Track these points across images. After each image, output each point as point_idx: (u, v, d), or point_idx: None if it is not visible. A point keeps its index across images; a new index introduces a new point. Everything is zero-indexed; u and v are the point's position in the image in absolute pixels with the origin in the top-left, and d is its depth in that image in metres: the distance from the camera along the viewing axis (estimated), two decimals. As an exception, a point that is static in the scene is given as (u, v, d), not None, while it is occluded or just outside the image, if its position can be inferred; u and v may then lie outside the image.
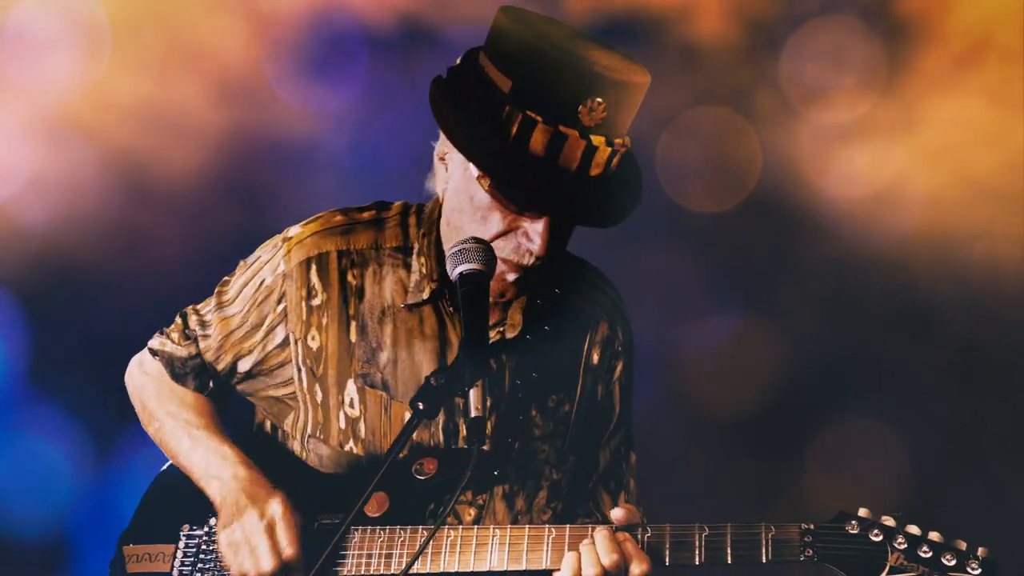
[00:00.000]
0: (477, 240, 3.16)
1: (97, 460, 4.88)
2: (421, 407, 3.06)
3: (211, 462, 3.38)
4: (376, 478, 3.02)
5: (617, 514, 3.16)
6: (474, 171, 3.18)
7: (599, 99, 3.07)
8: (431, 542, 3.20)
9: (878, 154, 5.06)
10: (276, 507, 3.26)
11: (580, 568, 3.11)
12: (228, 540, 3.26)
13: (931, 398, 5.06)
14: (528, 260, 3.20)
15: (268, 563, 3.21)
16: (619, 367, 3.49)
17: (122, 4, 4.91)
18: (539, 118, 3.08)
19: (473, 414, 3.03)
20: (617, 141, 3.14)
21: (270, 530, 3.24)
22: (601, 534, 3.12)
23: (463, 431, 3.34)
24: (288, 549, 3.23)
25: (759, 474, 5.05)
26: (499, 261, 3.19)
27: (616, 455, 3.51)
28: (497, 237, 3.19)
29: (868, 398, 5.05)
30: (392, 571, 3.22)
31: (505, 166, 3.11)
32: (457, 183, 3.24)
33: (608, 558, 3.09)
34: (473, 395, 3.03)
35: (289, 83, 4.98)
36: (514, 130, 3.09)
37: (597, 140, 3.10)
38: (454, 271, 3.14)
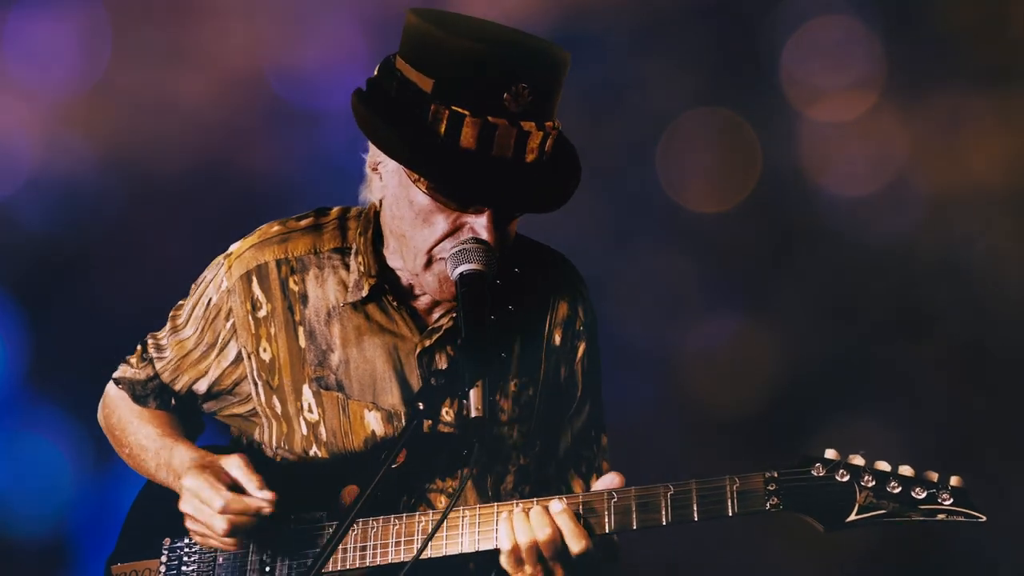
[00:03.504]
0: (477, 240, 3.15)
1: (97, 460, 4.88)
2: (421, 407, 3.06)
3: (173, 464, 3.40)
4: (372, 484, 3.01)
5: (614, 482, 3.15)
6: (415, 178, 3.16)
7: (523, 84, 3.06)
8: (414, 534, 3.20)
9: (878, 154, 5.06)
10: (215, 461, 3.27)
11: (516, 541, 3.10)
12: (184, 510, 3.27)
13: (931, 398, 5.05)
14: None
15: (218, 501, 3.20)
16: (581, 348, 3.45)
17: (122, 4, 4.91)
18: (466, 112, 3.06)
19: (473, 414, 3.03)
20: (548, 124, 3.12)
21: (210, 478, 3.23)
22: (535, 508, 3.10)
23: (428, 420, 3.34)
24: (246, 486, 3.22)
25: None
26: (448, 263, 3.18)
27: (583, 437, 3.47)
28: (443, 238, 3.17)
29: (868, 398, 5.05)
30: (367, 564, 3.21)
31: (440, 166, 3.09)
32: (394, 191, 3.22)
33: (542, 532, 3.08)
34: (473, 395, 3.03)
35: (289, 83, 4.98)
36: (443, 128, 3.07)
37: (528, 126, 3.08)
38: (454, 271, 3.14)
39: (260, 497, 3.21)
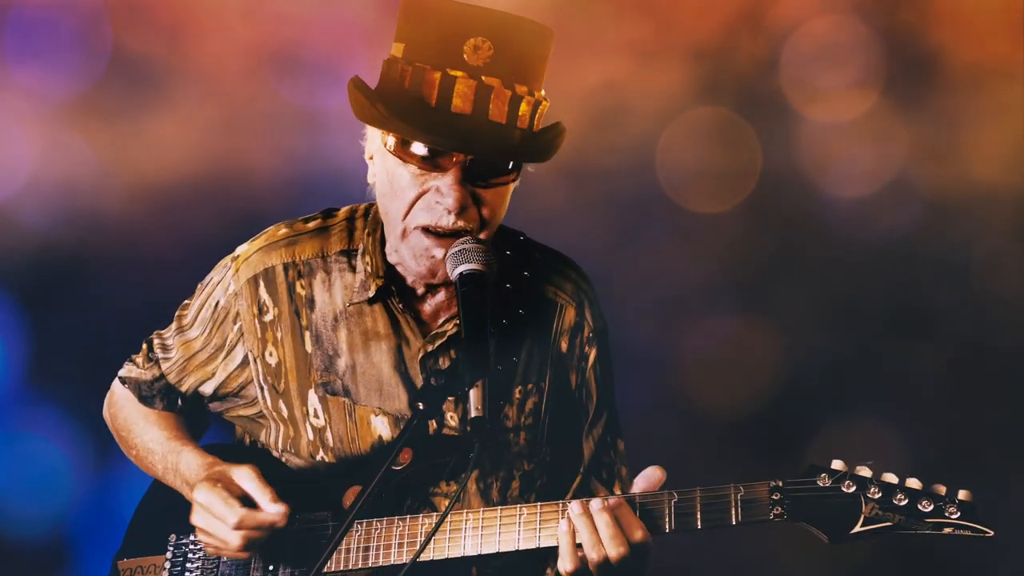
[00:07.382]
0: (477, 240, 3.15)
1: (97, 460, 4.88)
2: (421, 407, 3.05)
3: (180, 470, 3.39)
4: (372, 483, 3.01)
5: (655, 475, 3.14)
6: (388, 145, 3.17)
7: (482, 36, 3.08)
8: (417, 536, 3.20)
9: (878, 154, 5.06)
10: (225, 473, 3.24)
11: (577, 542, 3.10)
12: (196, 524, 3.25)
13: (931, 398, 5.06)
14: (445, 221, 3.16)
15: (232, 517, 3.18)
16: (592, 355, 3.44)
17: (122, 4, 4.91)
18: (427, 66, 3.10)
19: (473, 414, 3.02)
20: (520, 88, 3.13)
21: (223, 493, 3.21)
22: (597, 507, 3.09)
23: (433, 424, 3.34)
24: (258, 500, 3.21)
25: (759, 474, 5.04)
26: (419, 232, 3.17)
27: (602, 444, 3.47)
28: (414, 203, 3.17)
29: (868, 398, 5.05)
30: (369, 565, 3.22)
31: (400, 114, 3.10)
32: (380, 170, 3.23)
33: (607, 530, 3.08)
34: (473, 395, 3.03)
35: (289, 83, 4.98)
36: (407, 83, 3.11)
37: (491, 81, 3.10)
38: (454, 271, 3.14)
39: (273, 512, 3.20)
